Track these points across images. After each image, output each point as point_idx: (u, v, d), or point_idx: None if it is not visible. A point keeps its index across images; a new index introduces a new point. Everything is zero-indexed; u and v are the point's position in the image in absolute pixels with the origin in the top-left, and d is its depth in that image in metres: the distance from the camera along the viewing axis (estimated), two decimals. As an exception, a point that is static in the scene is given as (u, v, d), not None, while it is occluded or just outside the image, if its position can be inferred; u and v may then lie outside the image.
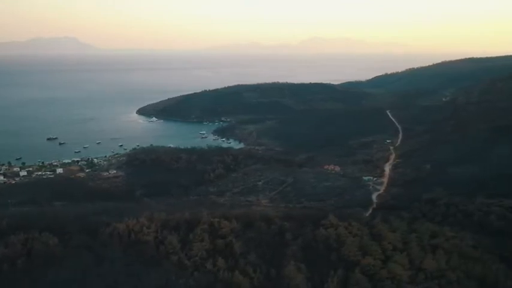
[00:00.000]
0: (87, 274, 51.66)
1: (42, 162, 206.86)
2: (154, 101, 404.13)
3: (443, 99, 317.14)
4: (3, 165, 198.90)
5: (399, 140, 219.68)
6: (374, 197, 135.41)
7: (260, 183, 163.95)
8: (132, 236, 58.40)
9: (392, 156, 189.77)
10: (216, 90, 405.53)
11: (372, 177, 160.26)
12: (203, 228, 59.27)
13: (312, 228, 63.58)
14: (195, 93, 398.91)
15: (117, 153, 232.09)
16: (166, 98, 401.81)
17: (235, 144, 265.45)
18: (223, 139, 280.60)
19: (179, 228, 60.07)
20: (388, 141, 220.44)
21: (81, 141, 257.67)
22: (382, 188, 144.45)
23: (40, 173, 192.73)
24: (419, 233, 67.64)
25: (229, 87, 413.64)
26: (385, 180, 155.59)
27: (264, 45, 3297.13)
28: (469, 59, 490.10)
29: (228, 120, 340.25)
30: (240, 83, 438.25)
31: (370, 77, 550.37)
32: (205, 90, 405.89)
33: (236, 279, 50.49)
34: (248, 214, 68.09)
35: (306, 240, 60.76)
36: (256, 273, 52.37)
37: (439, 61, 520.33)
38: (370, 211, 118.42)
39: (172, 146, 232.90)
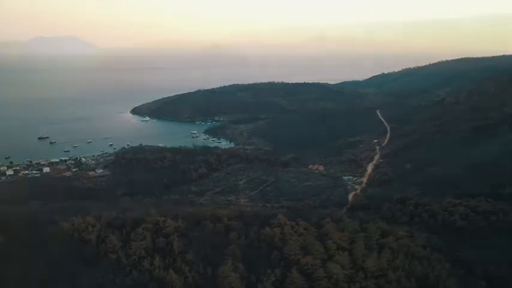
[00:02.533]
0: (26, 272, 52.58)
1: (30, 162, 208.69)
2: (149, 101, 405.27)
3: (436, 99, 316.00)
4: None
5: (386, 140, 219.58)
6: (350, 196, 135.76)
7: (241, 182, 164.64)
8: (76, 234, 59.38)
9: (377, 156, 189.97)
10: (210, 90, 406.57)
11: (352, 177, 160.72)
12: (146, 227, 60.08)
13: (259, 227, 64.25)
14: (189, 92, 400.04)
15: (105, 153, 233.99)
16: (161, 97, 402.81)
17: (226, 144, 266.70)
18: (214, 139, 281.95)
19: (124, 227, 60.95)
20: (375, 141, 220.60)
21: (72, 141, 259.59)
22: (359, 188, 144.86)
23: (27, 172, 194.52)
24: (368, 232, 68.11)
25: (223, 87, 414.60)
26: (364, 179, 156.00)
27: (265, 44, 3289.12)
28: (465, 58, 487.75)
29: (221, 119, 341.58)
30: (235, 82, 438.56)
31: (368, 77, 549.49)
32: (199, 90, 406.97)
33: (170, 278, 51.25)
34: (196, 213, 68.89)
35: (249, 239, 61.43)
36: (191, 272, 53.12)
37: (436, 61, 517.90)
38: (344, 210, 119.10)
39: (161, 145, 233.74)
